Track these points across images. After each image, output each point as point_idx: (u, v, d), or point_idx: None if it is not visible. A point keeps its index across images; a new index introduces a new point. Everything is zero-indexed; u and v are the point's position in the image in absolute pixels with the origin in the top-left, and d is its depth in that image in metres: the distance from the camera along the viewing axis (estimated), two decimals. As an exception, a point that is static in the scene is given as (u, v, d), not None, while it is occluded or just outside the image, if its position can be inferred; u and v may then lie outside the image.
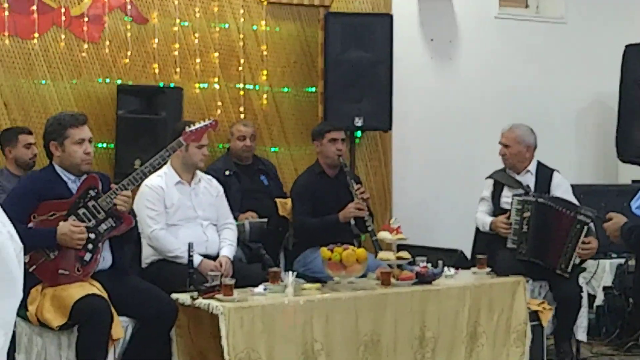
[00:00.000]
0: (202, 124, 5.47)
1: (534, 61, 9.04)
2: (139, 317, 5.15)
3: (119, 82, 7.08)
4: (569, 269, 6.41)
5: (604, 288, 7.38)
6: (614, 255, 7.59)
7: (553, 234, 6.49)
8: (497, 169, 7.05)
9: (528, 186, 6.76)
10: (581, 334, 6.75)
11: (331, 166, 6.78)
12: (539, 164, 6.94)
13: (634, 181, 8.47)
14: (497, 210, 6.83)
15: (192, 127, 5.42)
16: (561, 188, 6.84)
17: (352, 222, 6.76)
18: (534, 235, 6.54)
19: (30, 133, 6.42)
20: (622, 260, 7.40)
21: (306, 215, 6.65)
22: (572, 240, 6.39)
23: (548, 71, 9.09)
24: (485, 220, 6.84)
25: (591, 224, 6.38)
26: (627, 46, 8.20)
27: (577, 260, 6.42)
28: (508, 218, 6.66)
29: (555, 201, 6.58)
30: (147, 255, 5.96)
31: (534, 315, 6.22)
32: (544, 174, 6.89)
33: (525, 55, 9.02)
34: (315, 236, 6.49)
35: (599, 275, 7.41)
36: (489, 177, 7.03)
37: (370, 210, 6.70)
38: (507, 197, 6.80)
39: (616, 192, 7.75)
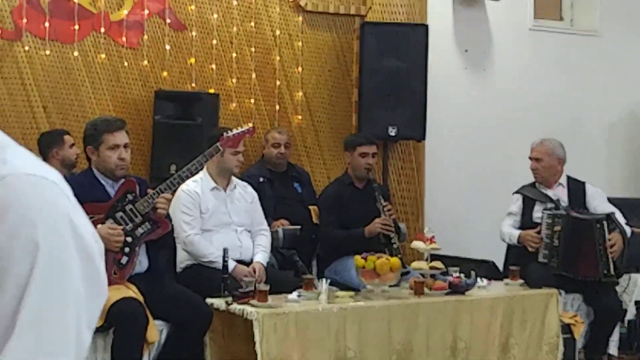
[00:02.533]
0: (240, 130, 5.52)
1: (567, 74, 9.03)
2: (174, 321, 5.20)
3: (156, 87, 7.14)
4: (612, 272, 6.43)
5: (636, 302, 7.34)
6: (646, 269, 7.57)
7: (583, 246, 6.51)
8: (524, 184, 7.07)
9: (558, 200, 6.79)
10: (613, 348, 6.77)
11: (360, 178, 6.81)
12: (569, 177, 6.98)
13: (666, 195, 8.45)
14: (528, 225, 6.84)
15: (230, 133, 5.47)
16: (597, 197, 6.89)
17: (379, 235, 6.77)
18: (565, 248, 6.57)
19: (69, 133, 6.48)
20: (655, 275, 7.38)
21: (332, 225, 6.68)
22: (600, 242, 6.43)
23: (581, 84, 9.08)
24: (512, 233, 6.86)
25: (608, 223, 6.42)
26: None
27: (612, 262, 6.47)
28: (538, 232, 6.68)
29: (585, 214, 6.61)
30: (182, 260, 6.01)
31: (566, 328, 6.23)
32: (576, 186, 6.93)
33: (559, 67, 9.01)
34: (340, 248, 6.53)
35: (631, 289, 7.38)
36: (517, 192, 7.05)
37: (397, 228, 6.69)
38: (538, 212, 6.83)
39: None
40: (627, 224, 6.77)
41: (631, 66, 9.15)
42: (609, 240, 6.45)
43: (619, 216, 6.72)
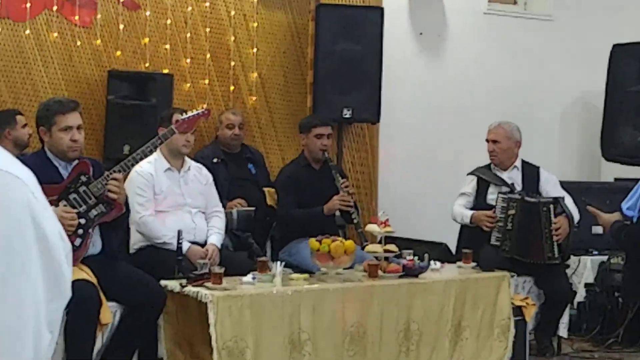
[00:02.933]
0: (195, 112, 5.48)
1: (521, 58, 9.09)
2: (127, 303, 5.17)
3: (110, 67, 7.07)
4: (556, 255, 6.51)
5: (586, 285, 7.45)
6: (595, 252, 7.67)
7: (532, 229, 6.58)
8: (479, 166, 7.12)
9: (513, 184, 6.85)
10: (562, 330, 6.86)
11: (316, 160, 6.81)
12: (523, 161, 7.05)
13: (616, 179, 8.54)
14: (481, 206, 6.89)
15: (185, 116, 5.43)
16: (551, 183, 6.98)
17: (338, 213, 6.81)
18: (518, 232, 6.63)
19: (21, 114, 6.40)
20: (605, 258, 7.48)
21: (291, 206, 6.68)
22: (546, 226, 6.51)
23: (535, 68, 9.14)
24: (464, 213, 6.90)
25: (554, 206, 6.49)
26: (614, 46, 8.26)
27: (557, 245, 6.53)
28: (493, 213, 6.73)
29: (536, 197, 6.68)
30: (135, 241, 5.98)
31: (518, 311, 6.29)
32: (530, 171, 7.01)
33: (513, 51, 9.07)
34: (299, 228, 6.53)
35: (580, 272, 7.48)
36: (471, 173, 7.10)
37: (355, 204, 6.74)
38: (492, 194, 6.88)
39: (599, 189, 7.81)
40: (578, 208, 6.85)
41: (584, 51, 9.22)
42: (555, 223, 6.52)
43: (569, 201, 6.79)
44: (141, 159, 5.35)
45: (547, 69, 9.19)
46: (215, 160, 7.06)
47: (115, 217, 5.17)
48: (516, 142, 7.00)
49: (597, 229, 7.46)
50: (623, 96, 8.11)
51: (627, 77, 8.10)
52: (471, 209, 6.93)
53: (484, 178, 6.98)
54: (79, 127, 5.11)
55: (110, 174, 5.09)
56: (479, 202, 6.95)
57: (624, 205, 4.03)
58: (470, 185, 7.05)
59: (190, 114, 5.47)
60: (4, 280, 1.27)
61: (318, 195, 6.60)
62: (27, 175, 1.35)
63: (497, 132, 6.99)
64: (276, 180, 7.01)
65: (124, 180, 5.34)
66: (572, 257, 7.25)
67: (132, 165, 5.28)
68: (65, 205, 5.01)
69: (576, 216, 6.75)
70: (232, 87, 7.64)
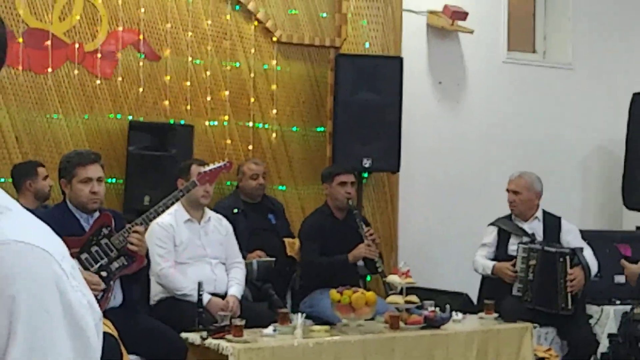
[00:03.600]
0: (217, 165, 5.49)
1: (541, 106, 9.09)
2: (148, 356, 5.16)
3: (130, 118, 7.10)
4: (569, 306, 6.46)
5: (609, 335, 7.36)
6: (618, 301, 7.60)
7: (551, 280, 6.54)
8: (500, 217, 7.09)
9: (534, 234, 6.82)
10: (586, 381, 6.79)
11: (340, 209, 6.80)
12: (545, 212, 7.02)
13: (638, 227, 8.49)
14: (502, 257, 6.86)
15: (207, 168, 5.44)
16: (572, 233, 6.95)
17: (361, 263, 6.79)
18: (539, 283, 6.60)
19: (43, 165, 6.43)
20: (628, 307, 7.40)
21: (315, 254, 6.66)
22: (562, 276, 6.47)
23: (555, 116, 9.14)
24: (486, 264, 6.87)
25: (571, 258, 6.45)
26: (634, 94, 8.26)
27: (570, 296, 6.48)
28: (513, 265, 6.70)
29: (556, 248, 6.65)
30: (156, 293, 5.97)
31: (541, 362, 6.24)
32: (552, 221, 6.98)
33: (532, 100, 9.07)
34: (323, 276, 6.50)
35: (603, 322, 7.41)
36: (492, 224, 7.07)
37: (380, 253, 6.72)
38: (514, 245, 6.86)
39: (621, 238, 7.77)
40: (598, 260, 6.80)
41: (604, 99, 9.22)
42: (570, 274, 6.47)
43: (589, 253, 6.75)
44: (163, 211, 5.35)
45: (567, 118, 9.18)
46: (235, 210, 7.06)
47: (136, 270, 5.16)
48: (537, 192, 6.98)
49: (620, 278, 7.41)
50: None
51: (648, 125, 8.09)
52: (492, 259, 6.90)
53: (505, 229, 6.95)
54: (99, 179, 5.12)
55: (132, 226, 5.10)
56: (500, 253, 6.92)
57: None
58: (491, 235, 7.02)
59: (212, 166, 5.48)
60: (32, 354, 1.26)
61: (342, 245, 6.58)
62: (54, 246, 1.34)
63: (518, 182, 6.97)
64: (300, 230, 6.99)
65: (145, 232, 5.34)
66: (594, 307, 7.22)
67: (154, 217, 5.28)
68: (86, 258, 5.00)
69: (594, 268, 6.70)
70: (251, 138, 7.65)
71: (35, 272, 1.29)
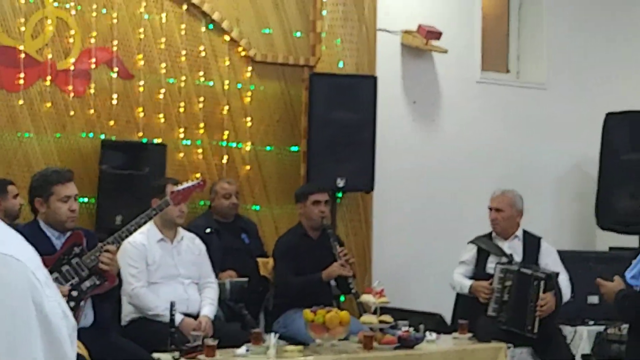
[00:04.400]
0: (190, 184, 5.46)
1: (515, 126, 9.12)
2: (120, 377, 5.09)
3: (103, 136, 7.06)
4: (535, 330, 6.45)
5: (582, 356, 7.36)
6: (591, 322, 7.60)
7: (523, 301, 6.52)
8: (479, 235, 7.08)
9: (512, 255, 6.81)
10: (561, 402, 6.77)
11: (314, 228, 6.77)
12: (525, 231, 7.02)
13: (611, 248, 8.51)
14: (480, 276, 6.85)
15: (180, 187, 5.40)
16: (551, 256, 6.93)
17: (333, 282, 6.76)
18: (514, 304, 6.58)
19: (13, 184, 6.36)
20: (600, 328, 7.41)
21: (289, 274, 6.61)
22: (532, 299, 6.46)
23: (529, 136, 9.17)
24: (464, 282, 6.86)
25: (546, 282, 6.43)
26: (607, 114, 8.29)
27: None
28: (490, 284, 6.68)
29: (535, 269, 6.63)
30: (127, 313, 5.91)
31: (515, 382, 6.22)
32: (531, 241, 6.97)
33: (506, 119, 9.10)
34: (296, 295, 6.46)
35: (576, 343, 7.40)
36: (472, 242, 7.06)
37: (354, 272, 6.69)
38: (492, 264, 6.84)
39: (594, 258, 7.78)
40: (572, 282, 6.80)
41: (577, 119, 9.25)
42: (542, 299, 6.46)
43: (564, 277, 6.73)
44: (135, 230, 5.30)
45: (541, 137, 9.21)
46: (208, 230, 7.02)
47: (108, 289, 5.11)
48: (518, 210, 6.97)
49: (593, 299, 7.42)
50: (617, 164, 8.12)
51: (620, 144, 8.13)
52: (471, 277, 6.89)
53: (484, 247, 6.94)
54: (75, 197, 5.11)
55: (104, 245, 5.04)
56: (478, 271, 6.91)
57: (628, 274, 3.99)
58: (470, 253, 7.01)
59: (185, 185, 5.44)
60: None
61: (316, 264, 6.55)
62: (27, 256, 1.32)
63: (501, 200, 6.96)
64: (274, 249, 6.94)
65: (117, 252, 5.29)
66: (568, 327, 7.23)
67: (126, 236, 5.23)
68: (57, 278, 4.95)
69: (567, 294, 6.70)
70: (225, 157, 7.62)
71: (8, 280, 1.27)
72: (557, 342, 6.70)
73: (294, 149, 7.96)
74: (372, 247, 8.23)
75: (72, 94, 6.96)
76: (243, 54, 7.69)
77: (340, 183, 7.62)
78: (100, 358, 4.97)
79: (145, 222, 5.33)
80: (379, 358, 5.62)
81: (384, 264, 8.21)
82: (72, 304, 4.97)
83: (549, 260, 6.88)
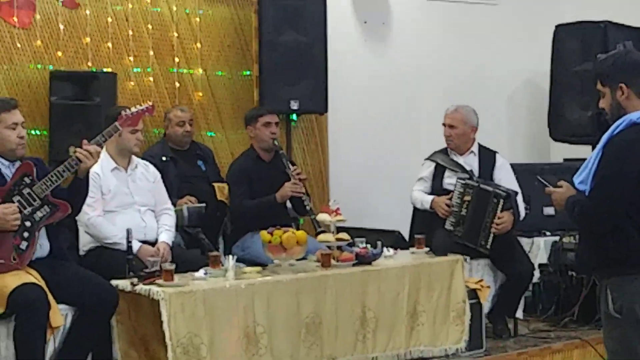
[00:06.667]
0: (139, 108, 5.40)
1: (467, 42, 9.11)
2: (78, 305, 5.08)
3: (52, 68, 6.97)
4: (488, 246, 6.53)
5: (539, 265, 7.48)
6: (547, 233, 7.71)
7: (479, 216, 6.58)
8: (436, 151, 7.11)
9: (472, 170, 6.85)
10: (518, 311, 6.88)
11: (266, 150, 6.77)
12: (480, 145, 7.05)
13: (566, 159, 8.59)
14: (438, 191, 6.90)
15: (128, 112, 5.35)
16: (504, 169, 6.99)
17: (290, 205, 6.78)
18: (471, 219, 6.64)
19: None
20: (557, 238, 7.52)
21: (243, 198, 6.62)
22: (490, 215, 6.52)
23: (481, 52, 9.17)
24: (424, 198, 6.91)
25: (504, 201, 6.49)
26: (557, 26, 8.30)
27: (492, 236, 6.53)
28: (450, 199, 6.74)
29: (493, 185, 6.68)
30: (85, 243, 5.90)
31: (472, 294, 6.30)
32: (487, 155, 7.02)
33: (458, 36, 9.08)
34: (253, 218, 6.48)
35: (534, 253, 7.52)
36: (429, 158, 7.09)
37: (307, 190, 6.72)
38: (449, 179, 6.89)
39: (549, 170, 7.84)
40: (526, 207, 6.86)
41: (528, 33, 9.26)
42: (500, 218, 6.51)
43: (519, 198, 6.79)
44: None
45: (492, 53, 9.22)
46: (164, 158, 7.00)
47: (61, 218, 5.09)
48: (472, 126, 7.00)
49: (549, 210, 7.52)
50: (568, 76, 8.16)
51: (571, 56, 8.16)
52: (429, 193, 6.94)
53: (442, 164, 6.97)
54: (22, 125, 5.07)
55: (54, 175, 5.00)
56: (436, 186, 6.96)
57: (576, 180, 4.03)
58: (427, 170, 7.05)
59: (134, 109, 5.39)
60: None
61: (270, 187, 6.57)
62: None
63: (454, 116, 6.98)
64: (227, 175, 6.95)
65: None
66: (525, 239, 7.34)
67: (77, 164, 5.17)
68: (6, 205, 4.91)
69: (522, 214, 6.76)
70: (177, 84, 7.56)
71: None
72: (516, 253, 6.78)
73: (246, 73, 7.92)
74: (329, 168, 8.26)
75: (17, 25, 6.85)
76: (190, -21, 7.61)
77: (294, 105, 7.61)
78: (57, 287, 4.98)
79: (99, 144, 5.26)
80: (337, 275, 5.65)
81: (341, 184, 8.25)
82: (26, 234, 4.95)
83: (502, 175, 6.94)
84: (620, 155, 3.88)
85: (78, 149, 5.04)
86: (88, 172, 5.17)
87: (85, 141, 5.10)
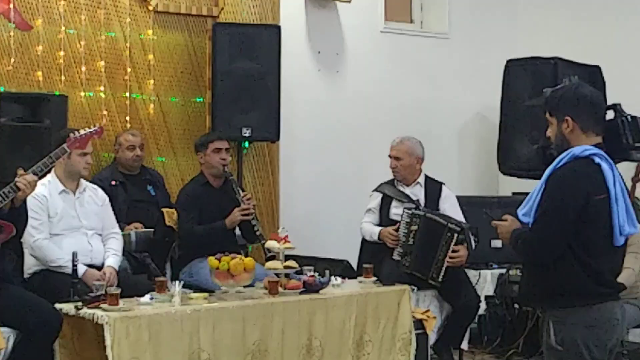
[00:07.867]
0: (87, 130, 5.39)
1: (419, 75, 9.20)
2: (21, 328, 5.04)
3: (2, 89, 6.92)
4: (440, 278, 6.57)
5: (486, 297, 7.53)
6: (494, 265, 7.77)
7: (431, 248, 6.62)
8: (383, 182, 7.16)
9: (418, 200, 6.91)
10: (464, 342, 6.92)
11: (216, 176, 6.76)
12: (427, 177, 7.11)
13: (514, 193, 8.67)
14: (385, 222, 6.94)
15: (77, 134, 5.33)
16: (449, 201, 7.05)
17: (239, 232, 6.78)
18: (419, 249, 6.68)
19: None
20: (503, 270, 7.58)
21: (193, 223, 6.60)
22: (443, 249, 6.56)
23: (432, 85, 9.26)
24: (373, 230, 6.96)
25: (459, 235, 6.53)
26: (508, 61, 8.41)
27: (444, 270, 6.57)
28: (397, 230, 6.78)
29: (442, 217, 6.73)
30: (30, 265, 5.84)
31: (419, 324, 6.32)
32: (433, 186, 7.08)
33: (410, 69, 9.16)
34: (201, 244, 6.47)
35: (481, 285, 7.57)
36: (376, 189, 7.14)
37: (256, 215, 6.72)
38: (396, 209, 6.94)
39: (497, 203, 7.92)
40: (475, 240, 6.92)
41: (480, 67, 9.37)
42: (455, 251, 6.56)
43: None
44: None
45: (444, 86, 9.32)
46: (113, 182, 6.99)
47: (4, 240, 5.04)
48: (418, 158, 7.07)
49: (497, 243, 7.58)
50: (518, 110, 8.24)
51: (521, 91, 8.24)
52: (377, 224, 6.98)
53: (389, 194, 7.03)
54: None
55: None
56: (383, 217, 7.01)
57: (520, 212, 4.08)
58: (375, 201, 7.11)
59: (82, 132, 5.37)
60: None
61: (219, 213, 6.57)
62: None
63: (399, 148, 7.05)
64: (177, 200, 6.93)
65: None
66: (472, 271, 7.38)
67: (16, 192, 5.10)
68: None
69: (472, 245, 6.82)
70: (129, 108, 7.54)
71: None
72: (463, 285, 6.83)
73: (199, 99, 7.92)
74: (279, 196, 8.27)
75: (-33, 46, 6.81)
76: (144, 4, 7.59)
77: (246, 133, 7.62)
78: (0, 310, 4.93)
79: (41, 170, 5.21)
80: (284, 303, 5.64)
81: (291, 212, 8.26)
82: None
83: (447, 205, 7.01)
84: (562, 188, 3.93)
85: (18, 179, 4.98)
86: (25, 199, 5.12)
87: (21, 170, 5.04)
